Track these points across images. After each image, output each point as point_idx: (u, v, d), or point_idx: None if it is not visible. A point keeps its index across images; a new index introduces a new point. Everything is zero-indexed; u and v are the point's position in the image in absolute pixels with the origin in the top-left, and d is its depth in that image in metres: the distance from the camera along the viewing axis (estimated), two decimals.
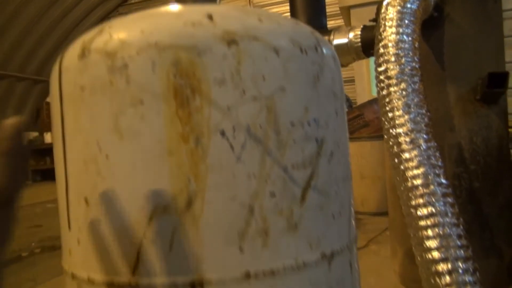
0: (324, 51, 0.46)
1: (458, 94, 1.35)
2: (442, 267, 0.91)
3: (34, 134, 6.75)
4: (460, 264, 0.91)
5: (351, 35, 1.69)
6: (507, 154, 1.39)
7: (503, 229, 1.38)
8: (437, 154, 1.02)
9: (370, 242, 2.87)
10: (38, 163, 6.98)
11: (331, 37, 1.74)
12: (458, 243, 0.93)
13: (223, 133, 0.38)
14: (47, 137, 6.74)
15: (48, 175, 6.58)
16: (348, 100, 4.44)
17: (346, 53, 1.72)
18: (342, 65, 1.78)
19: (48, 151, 6.40)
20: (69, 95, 0.42)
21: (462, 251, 0.93)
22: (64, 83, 0.42)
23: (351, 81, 7.19)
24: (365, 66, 5.65)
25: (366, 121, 3.78)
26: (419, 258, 0.95)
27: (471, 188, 1.35)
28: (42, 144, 6.79)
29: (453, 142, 1.36)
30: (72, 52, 0.42)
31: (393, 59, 1.14)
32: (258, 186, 0.39)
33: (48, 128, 6.57)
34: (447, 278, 0.90)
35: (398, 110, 1.08)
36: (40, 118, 6.58)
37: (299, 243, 0.41)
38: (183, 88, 0.37)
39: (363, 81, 5.87)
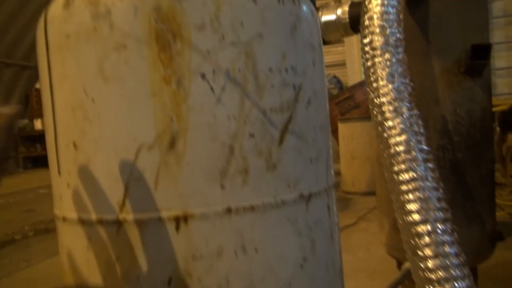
0: (302, 4, 0.48)
1: (443, 67, 1.38)
2: (422, 228, 0.94)
3: (24, 121, 6.69)
4: (439, 225, 0.95)
5: (339, 11, 1.70)
6: (489, 126, 1.43)
7: (485, 198, 1.42)
8: (420, 121, 1.05)
9: (359, 220, 2.93)
10: (29, 150, 6.93)
11: (320, 13, 1.75)
12: (438, 205, 0.97)
13: (203, 76, 0.40)
14: (37, 124, 6.68)
15: (39, 161, 6.55)
16: (338, 82, 4.46)
17: (335, 30, 1.73)
18: (331, 42, 1.79)
19: (38, 138, 6.35)
20: (55, 44, 0.43)
21: (441, 213, 0.96)
22: (50, 33, 0.43)
23: (343, 64, 7.19)
24: (356, 50, 5.66)
25: (357, 103, 3.81)
26: (400, 222, 0.99)
27: (454, 159, 1.39)
28: (32, 130, 6.73)
29: (438, 114, 1.39)
30: (57, 3, 0.44)
31: (378, 30, 1.15)
32: (237, 127, 0.41)
33: (38, 114, 6.51)
34: (426, 239, 0.94)
35: (382, 80, 1.10)
36: (30, 105, 6.52)
37: (278, 183, 0.44)
38: (164, 33, 0.39)
39: (354, 65, 5.88)
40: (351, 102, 3.82)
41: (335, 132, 4.14)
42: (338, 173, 4.16)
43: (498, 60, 5.85)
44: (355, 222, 2.84)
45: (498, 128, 3.05)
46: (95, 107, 0.41)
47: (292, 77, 0.45)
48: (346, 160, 3.68)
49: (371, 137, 3.18)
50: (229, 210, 0.41)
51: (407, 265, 1.37)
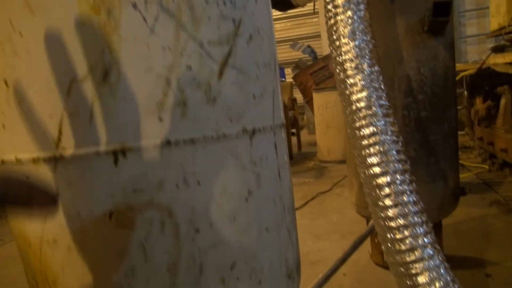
0: None
1: (407, 26, 1.39)
2: (382, 180, 0.97)
3: None
4: (398, 176, 0.97)
5: None
6: (452, 84, 1.46)
7: (448, 154, 1.47)
8: (380, 78, 1.06)
9: (334, 186, 2.99)
10: None
11: None
12: (397, 157, 0.99)
13: (134, 5, 0.39)
14: None
15: None
16: (313, 51, 4.46)
17: None
18: (299, 5, 1.77)
19: None
20: None
21: (400, 165, 0.99)
22: None
23: (317, 36, 7.16)
24: None
25: (331, 72, 3.82)
26: (362, 176, 1.01)
27: (418, 117, 1.42)
28: None
29: (402, 73, 1.41)
30: None
31: None
32: (173, 59, 0.41)
33: None
34: (386, 190, 0.96)
35: (344, 37, 1.10)
36: None
37: (219, 116, 0.44)
38: None
39: None
40: (325, 72, 3.83)
41: (310, 102, 4.16)
42: (314, 144, 4.21)
43: (469, 27, 5.93)
44: (330, 188, 2.90)
45: (466, 93, 3.12)
46: (24, 41, 0.40)
47: (231, 11, 0.44)
48: (321, 130, 3.72)
49: None
50: (168, 143, 0.41)
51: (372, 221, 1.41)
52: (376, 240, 1.71)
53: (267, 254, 0.48)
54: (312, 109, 3.93)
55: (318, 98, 3.66)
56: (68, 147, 0.40)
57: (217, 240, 0.43)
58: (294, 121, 4.53)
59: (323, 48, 5.70)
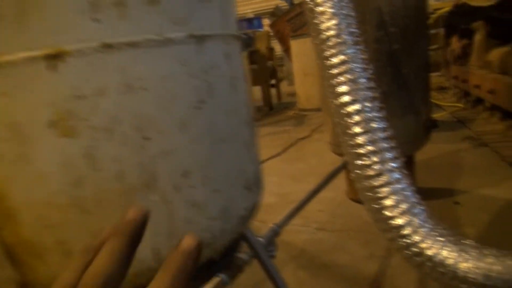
0: None
1: None
2: (352, 108, 0.97)
3: None
4: (367, 104, 0.97)
5: None
6: (424, 15, 1.44)
7: (420, 88, 1.48)
8: (350, 5, 1.03)
9: (313, 132, 3.02)
10: None
11: None
12: (367, 85, 0.98)
13: None
14: None
15: None
16: None
17: None
18: None
19: None
20: None
21: (369, 92, 0.98)
22: None
23: None
24: None
25: None
26: (333, 106, 1.01)
27: (390, 50, 1.41)
28: None
29: (374, 6, 1.38)
30: None
31: None
32: None
33: None
34: (356, 117, 0.97)
35: None
36: None
37: (162, 20, 0.42)
38: None
39: None
40: (302, 18, 3.72)
41: (288, 51, 4.08)
42: (294, 94, 4.19)
43: None
44: (309, 134, 2.93)
45: (443, 32, 3.11)
46: None
47: None
48: (299, 78, 3.69)
49: None
50: (107, 46, 0.39)
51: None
52: (350, 177, 1.76)
53: (222, 164, 0.48)
54: (290, 58, 3.87)
55: (295, 45, 3.59)
56: (0, 54, 0.38)
57: (167, 149, 0.43)
58: (273, 71, 4.47)
59: None
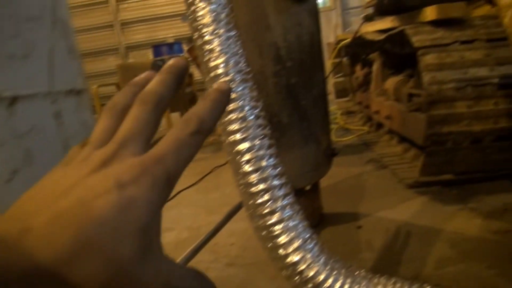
0: None
1: None
2: (242, 146, 0.95)
3: None
4: (257, 142, 0.96)
5: None
6: (318, 50, 1.51)
7: (319, 118, 1.54)
8: (238, 42, 1.04)
9: None
10: None
11: None
12: (256, 122, 0.98)
13: None
14: None
15: None
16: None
17: None
18: None
19: None
20: None
21: (259, 130, 0.98)
22: None
23: None
24: None
25: None
26: (225, 144, 0.99)
27: (288, 83, 1.45)
28: None
29: (271, 41, 1.42)
30: None
31: None
32: None
33: None
34: (246, 156, 0.95)
35: (200, 1, 1.05)
36: None
37: None
38: None
39: None
40: None
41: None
42: None
43: (352, 0, 6.38)
44: (226, 161, 2.92)
45: (347, 61, 3.33)
46: None
47: None
48: None
49: None
50: None
51: None
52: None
53: None
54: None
55: None
56: None
57: None
58: (192, 97, 4.44)
59: None
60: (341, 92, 3.60)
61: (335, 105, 3.92)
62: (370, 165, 2.31)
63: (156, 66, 3.29)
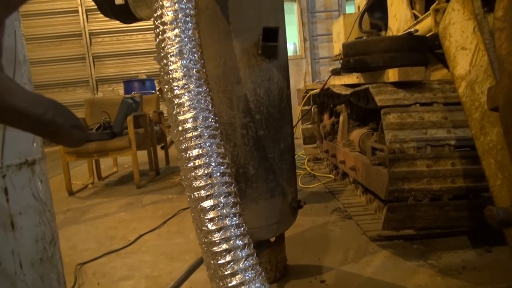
0: None
1: (243, 48, 1.43)
2: (206, 204, 0.94)
3: None
4: (221, 200, 0.95)
5: None
6: (286, 104, 1.55)
7: (285, 171, 1.56)
8: (208, 98, 1.05)
9: None
10: None
11: None
12: (222, 180, 0.98)
13: None
14: None
15: None
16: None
17: (144, 6, 1.64)
18: (143, 19, 1.70)
19: None
20: None
21: (224, 187, 0.98)
22: None
23: None
24: None
25: None
26: (189, 200, 0.97)
27: (257, 136, 1.47)
28: None
29: (241, 93, 1.44)
30: None
31: (167, 4, 1.11)
32: None
33: None
34: (210, 214, 0.94)
35: (171, 56, 1.07)
36: None
37: None
38: None
39: None
40: None
41: None
42: None
43: (321, 50, 6.69)
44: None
45: (315, 110, 3.43)
46: None
47: None
48: None
49: None
50: None
51: None
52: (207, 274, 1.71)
53: None
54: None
55: None
56: None
57: None
58: (161, 135, 4.40)
59: None
60: (309, 139, 3.67)
61: (302, 150, 3.99)
62: (335, 215, 2.33)
63: (125, 104, 3.26)
